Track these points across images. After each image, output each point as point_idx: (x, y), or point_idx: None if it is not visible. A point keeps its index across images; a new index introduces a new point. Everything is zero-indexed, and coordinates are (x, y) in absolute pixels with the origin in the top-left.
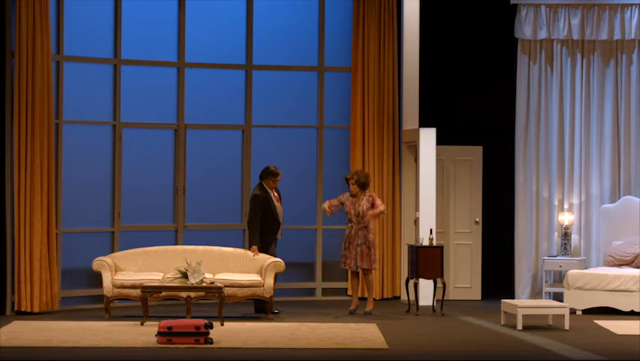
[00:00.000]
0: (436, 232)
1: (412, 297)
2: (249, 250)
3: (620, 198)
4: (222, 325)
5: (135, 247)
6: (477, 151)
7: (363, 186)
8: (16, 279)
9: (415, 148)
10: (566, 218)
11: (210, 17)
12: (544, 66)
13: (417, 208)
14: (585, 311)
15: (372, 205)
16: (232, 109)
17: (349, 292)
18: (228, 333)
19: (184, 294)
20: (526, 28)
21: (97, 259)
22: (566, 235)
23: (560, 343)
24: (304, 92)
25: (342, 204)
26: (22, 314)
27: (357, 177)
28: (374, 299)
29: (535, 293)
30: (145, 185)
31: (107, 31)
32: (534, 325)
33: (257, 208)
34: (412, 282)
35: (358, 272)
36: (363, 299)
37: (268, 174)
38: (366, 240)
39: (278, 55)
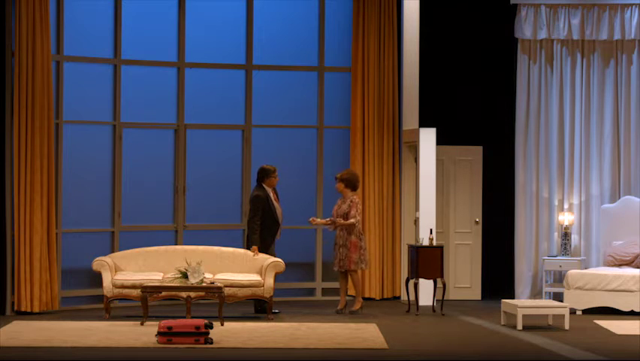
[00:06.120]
0: (436, 232)
1: (412, 297)
2: (249, 250)
3: (620, 198)
4: (222, 325)
5: (135, 247)
6: (477, 151)
7: (347, 183)
8: (16, 279)
9: (415, 148)
10: (566, 218)
11: (210, 17)
12: (544, 66)
13: (417, 208)
14: (585, 311)
15: (349, 213)
16: (232, 109)
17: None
18: (228, 333)
19: (184, 294)
20: (526, 28)
21: (97, 259)
22: (566, 235)
23: (560, 343)
24: (304, 92)
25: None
26: (22, 314)
27: (343, 174)
28: (363, 298)
29: (535, 293)
30: (145, 185)
31: (107, 31)
32: (534, 325)
33: (257, 209)
34: (412, 282)
35: (345, 272)
36: (364, 300)
37: (266, 173)
38: (345, 242)
39: (278, 55)
